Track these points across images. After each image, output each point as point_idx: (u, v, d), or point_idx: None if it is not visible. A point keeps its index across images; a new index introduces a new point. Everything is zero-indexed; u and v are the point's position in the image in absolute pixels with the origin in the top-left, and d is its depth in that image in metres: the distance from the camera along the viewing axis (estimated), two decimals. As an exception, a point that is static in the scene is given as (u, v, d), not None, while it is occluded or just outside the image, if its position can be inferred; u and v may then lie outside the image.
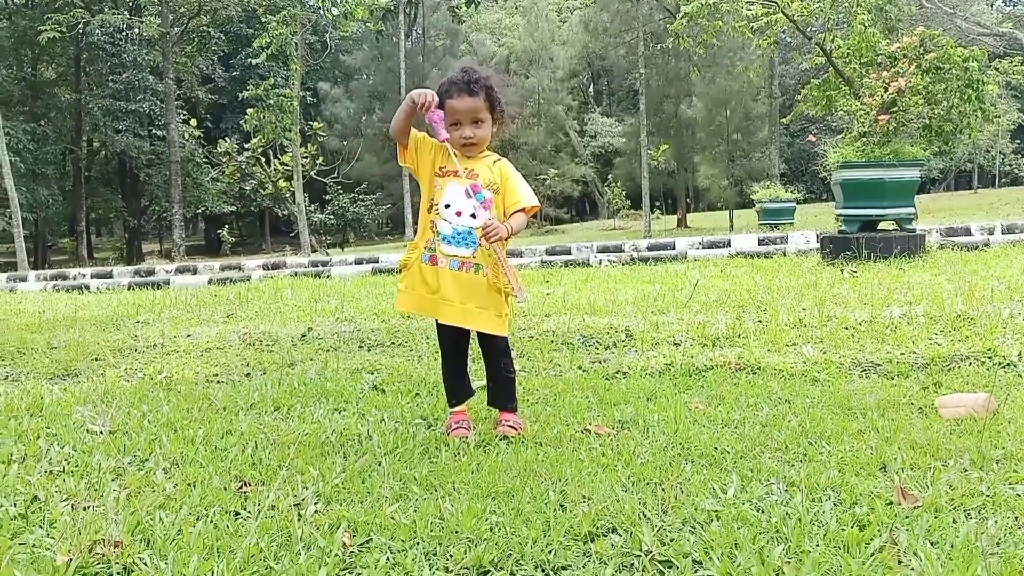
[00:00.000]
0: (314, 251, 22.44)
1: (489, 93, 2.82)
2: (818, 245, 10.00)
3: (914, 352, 3.93)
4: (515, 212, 2.84)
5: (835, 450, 2.52)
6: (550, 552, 1.86)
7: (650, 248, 12.55)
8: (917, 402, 3.06)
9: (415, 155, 2.85)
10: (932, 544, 1.80)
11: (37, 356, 5.08)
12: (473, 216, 2.78)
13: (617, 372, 3.90)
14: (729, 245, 12.00)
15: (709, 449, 2.58)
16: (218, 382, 4.10)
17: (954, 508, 2.03)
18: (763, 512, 2.03)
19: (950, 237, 10.89)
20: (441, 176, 2.82)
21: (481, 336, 2.89)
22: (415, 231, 3.04)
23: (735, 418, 2.96)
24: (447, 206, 2.79)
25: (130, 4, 33.65)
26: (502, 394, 2.99)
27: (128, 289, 11.38)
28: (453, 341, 2.96)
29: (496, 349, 2.93)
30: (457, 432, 2.88)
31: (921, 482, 2.21)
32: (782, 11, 16.76)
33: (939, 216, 20.92)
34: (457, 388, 3.01)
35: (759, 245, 11.85)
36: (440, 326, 2.90)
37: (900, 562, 1.74)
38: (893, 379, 3.52)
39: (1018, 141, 46.27)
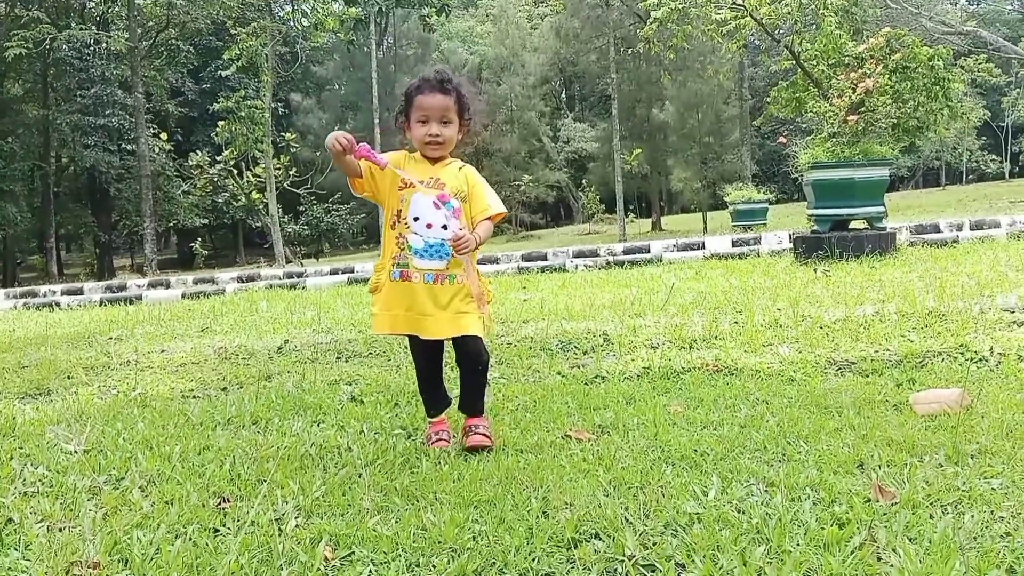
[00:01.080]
0: (288, 262, 22.31)
1: (460, 95, 2.78)
2: (791, 245, 10.10)
3: (888, 349, 3.97)
4: (482, 220, 2.78)
5: (813, 449, 2.54)
6: (533, 560, 1.86)
7: (625, 252, 12.61)
8: (892, 399, 3.10)
9: (372, 182, 2.76)
10: (910, 540, 1.82)
11: (8, 375, 5.00)
12: (444, 228, 2.70)
13: (596, 376, 3.91)
14: (703, 247, 12.09)
15: (689, 451, 2.59)
16: (194, 397, 4.06)
17: (931, 504, 2.05)
18: (744, 513, 2.04)
19: (920, 234, 11.05)
20: (405, 188, 2.73)
21: (459, 341, 2.79)
22: None
23: (714, 420, 2.98)
24: (416, 219, 2.71)
25: (97, 19, 33.36)
26: (473, 395, 2.88)
27: (100, 305, 11.24)
28: (428, 355, 2.90)
29: (476, 349, 2.82)
30: (438, 444, 2.86)
31: (898, 479, 2.24)
32: (751, 15, 16.97)
33: (909, 214, 21.20)
34: (435, 399, 2.97)
35: (733, 246, 11.95)
36: (413, 341, 2.83)
37: (880, 559, 1.76)
38: (868, 377, 3.55)
39: (984, 138, 47.10)
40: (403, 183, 2.71)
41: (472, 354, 2.82)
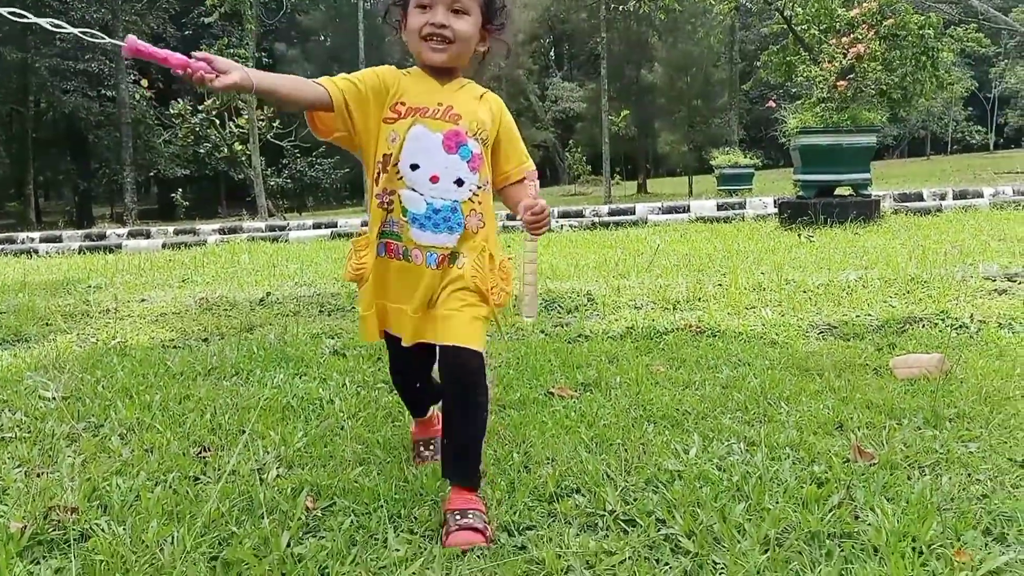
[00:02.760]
0: (271, 215, 22.11)
1: None
2: (776, 210, 10.11)
3: (869, 314, 4.00)
4: (517, 181, 2.01)
5: (794, 410, 2.56)
6: (515, 513, 1.87)
7: (611, 213, 12.59)
8: (872, 363, 3.12)
9: (345, 114, 1.81)
10: (888, 500, 1.84)
11: (-15, 322, 4.93)
12: (459, 183, 1.86)
13: (579, 336, 3.91)
14: (689, 211, 12.09)
15: (671, 410, 2.60)
16: (174, 347, 4.03)
17: (909, 465, 2.07)
18: (724, 471, 2.06)
19: (903, 203, 11.10)
20: (398, 119, 1.84)
21: (448, 352, 1.83)
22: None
23: (696, 380, 2.99)
24: (414, 167, 1.83)
25: (77, -41, 32.46)
26: (459, 446, 1.87)
27: (79, 253, 11.11)
28: (416, 361, 2.05)
29: (471, 366, 1.83)
30: (427, 460, 2.21)
31: (876, 440, 2.26)
32: (743, -24, 16.76)
33: (893, 182, 21.25)
34: (419, 400, 2.24)
35: (718, 211, 11.96)
36: (390, 340, 2.01)
37: (857, 518, 1.77)
38: (849, 341, 3.58)
39: (970, 108, 47.14)
40: (395, 111, 1.85)
41: (463, 373, 1.84)
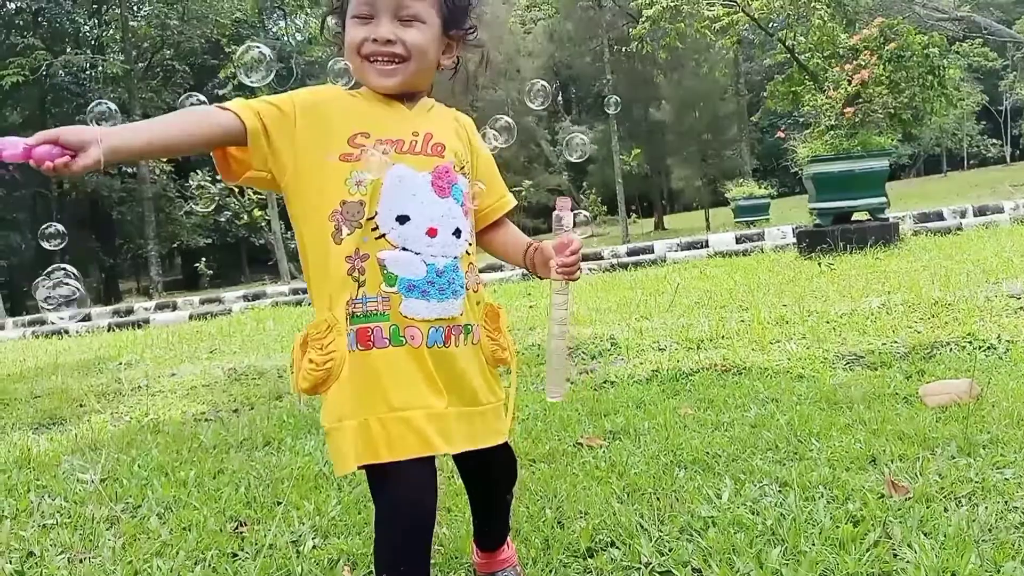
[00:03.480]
0: (293, 278, 22.35)
1: None
2: (795, 240, 10.10)
3: (895, 342, 3.97)
4: (500, 217, 1.69)
5: (825, 446, 2.55)
6: (551, 571, 1.87)
7: (629, 253, 12.62)
8: (902, 392, 3.10)
9: (268, 148, 1.42)
10: (925, 535, 1.83)
11: (21, 406, 5.02)
12: (457, 233, 1.50)
13: (605, 382, 3.92)
14: (707, 245, 12.09)
15: (701, 454, 2.60)
16: (206, 420, 4.08)
17: (944, 497, 2.05)
18: (758, 515, 2.05)
19: (923, 223, 11.04)
20: (362, 155, 1.43)
21: (475, 456, 1.53)
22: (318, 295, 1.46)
23: (724, 420, 2.98)
24: (402, 219, 1.44)
25: (93, 43, 33.50)
26: (499, 518, 1.78)
27: (108, 330, 11.28)
28: (420, 510, 1.43)
29: (511, 458, 1.67)
30: None
31: (910, 473, 2.24)
32: (743, 10, 17.00)
33: (911, 202, 21.15)
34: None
35: (737, 243, 11.95)
36: (395, 475, 1.40)
37: (895, 556, 1.76)
38: (877, 370, 3.56)
39: (984, 122, 46.99)
40: (355, 144, 1.44)
41: (508, 466, 1.68)
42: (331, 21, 1.60)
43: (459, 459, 1.60)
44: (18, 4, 30.13)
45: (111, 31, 33.12)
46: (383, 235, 1.42)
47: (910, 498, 2.06)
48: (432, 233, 1.45)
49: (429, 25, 1.47)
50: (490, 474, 1.66)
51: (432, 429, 1.41)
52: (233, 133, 1.39)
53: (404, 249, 1.43)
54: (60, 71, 29.04)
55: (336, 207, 1.41)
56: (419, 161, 1.47)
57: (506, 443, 1.59)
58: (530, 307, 7.19)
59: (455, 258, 1.49)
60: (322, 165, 1.43)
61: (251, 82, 1.50)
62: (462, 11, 1.54)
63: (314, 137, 1.43)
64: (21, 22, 30.13)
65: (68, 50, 30.72)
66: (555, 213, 1.56)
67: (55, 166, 1.21)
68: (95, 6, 33.88)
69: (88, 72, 30.70)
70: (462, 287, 1.49)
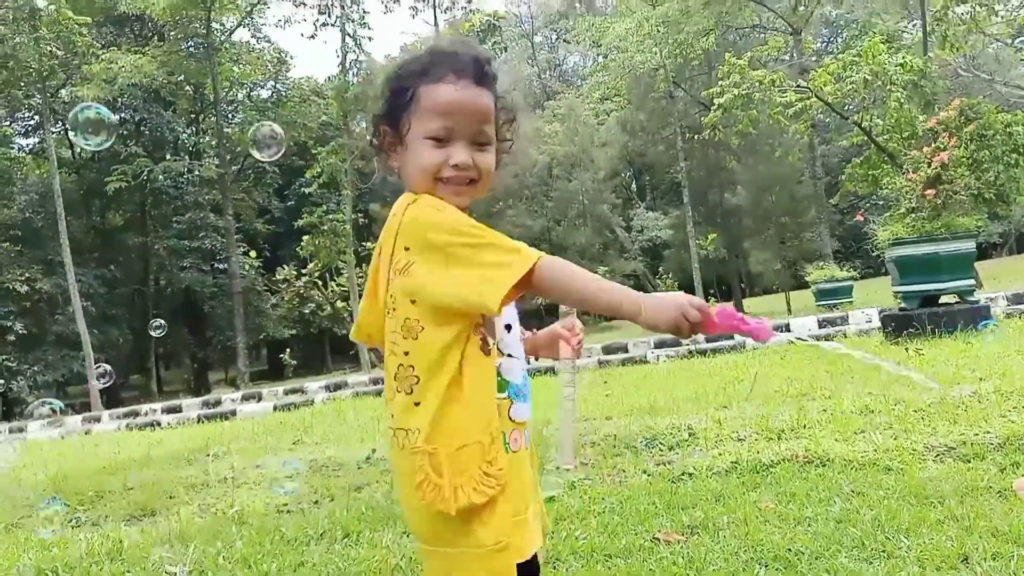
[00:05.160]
0: (373, 367, 22.73)
1: (496, 93, 1.55)
2: (880, 324, 9.81)
3: (988, 432, 3.81)
4: None
5: (914, 543, 2.46)
6: (626, 673, 1.84)
7: (707, 340, 12.44)
8: (996, 485, 2.97)
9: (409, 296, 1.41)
10: (1023, 641, 1.74)
11: (115, 498, 5.22)
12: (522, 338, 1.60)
13: (683, 474, 3.86)
14: (788, 330, 11.84)
15: (782, 550, 2.53)
16: (288, 512, 4.16)
17: (1044, 600, 1.95)
18: (842, 616, 1.98)
19: (1017, 304, 10.59)
20: None
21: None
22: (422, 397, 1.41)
23: (807, 515, 2.90)
24: (508, 328, 1.52)
25: (190, 149, 35.73)
26: None
27: (198, 422, 11.66)
28: None
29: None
30: None
31: (1004, 572, 2.14)
32: (816, 95, 17.04)
33: (1005, 282, 20.34)
34: None
35: (819, 328, 11.68)
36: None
37: (990, 663, 1.68)
38: (969, 462, 3.41)
39: (1078, 197, 45.20)
40: None
41: (540, 564, 1.56)
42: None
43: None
44: (122, 115, 32.47)
45: (207, 138, 35.40)
46: (496, 343, 1.46)
47: (1005, 601, 1.96)
48: (522, 338, 1.53)
49: (492, 145, 1.52)
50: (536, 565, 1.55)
51: (537, 527, 1.47)
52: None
53: (510, 355, 1.48)
54: (160, 176, 30.96)
55: (478, 320, 1.42)
56: None
57: None
58: (606, 396, 7.15)
59: (526, 363, 1.54)
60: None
61: (261, 158, 1.50)
62: (504, 124, 1.59)
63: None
64: (125, 132, 32.41)
65: (167, 156, 32.80)
66: (561, 309, 1.66)
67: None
68: (192, 115, 36.33)
69: (185, 176, 32.63)
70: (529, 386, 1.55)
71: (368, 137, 1.59)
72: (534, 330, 1.71)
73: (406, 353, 1.41)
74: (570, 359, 1.64)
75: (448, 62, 1.47)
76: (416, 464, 1.39)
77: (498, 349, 1.46)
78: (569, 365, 1.66)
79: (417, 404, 1.40)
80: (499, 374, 1.45)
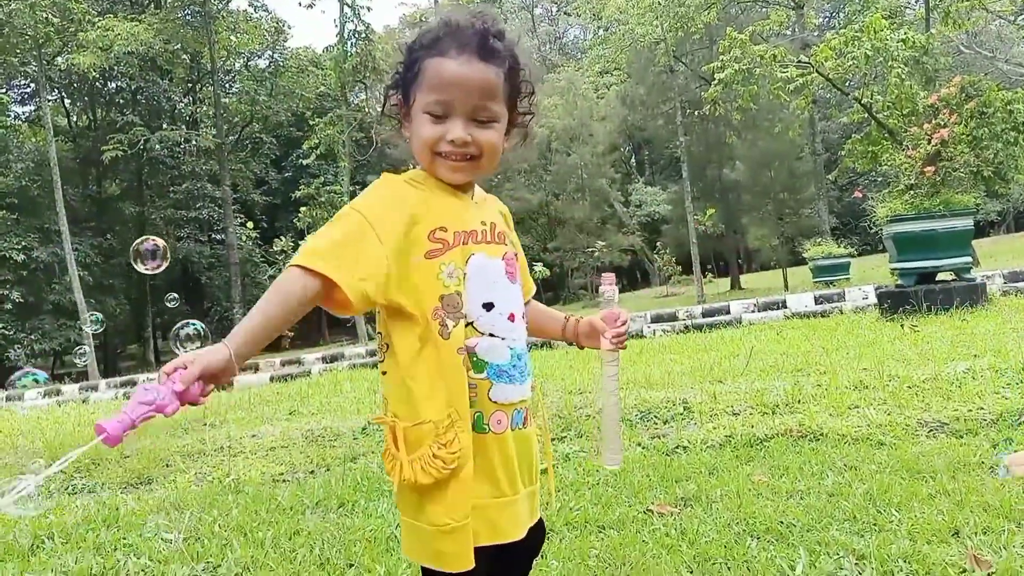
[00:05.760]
0: (371, 339, 22.76)
1: (514, 69, 1.50)
2: (876, 300, 9.83)
3: (981, 408, 3.83)
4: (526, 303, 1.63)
5: (905, 517, 2.47)
6: (618, 641, 1.86)
7: (704, 314, 12.47)
8: (987, 461, 2.99)
9: (393, 264, 1.37)
10: (1010, 613, 1.76)
11: (111, 466, 5.24)
12: (523, 317, 1.56)
13: (677, 447, 3.88)
14: (784, 306, 11.86)
15: (775, 523, 2.55)
16: (284, 481, 4.18)
17: (1032, 573, 1.97)
18: (832, 588, 2.00)
19: (1014, 282, 10.60)
20: (445, 249, 1.43)
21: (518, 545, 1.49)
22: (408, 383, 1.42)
23: (800, 488, 2.92)
24: (488, 306, 1.47)
25: (187, 119, 35.48)
26: None
27: (194, 391, 11.68)
28: None
29: (543, 531, 1.64)
30: None
31: (995, 546, 2.16)
32: (817, 71, 16.92)
33: (1001, 260, 20.37)
34: None
35: (815, 304, 11.69)
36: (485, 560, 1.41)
37: (978, 634, 1.70)
38: (962, 438, 3.43)
39: (1077, 176, 45.13)
40: (437, 240, 1.43)
41: (540, 541, 1.64)
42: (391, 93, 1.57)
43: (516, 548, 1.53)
44: (118, 84, 32.22)
45: (204, 107, 35.13)
46: (470, 323, 1.43)
47: (993, 573, 1.98)
48: (512, 318, 1.49)
49: (501, 123, 1.49)
50: (533, 544, 1.59)
51: (527, 508, 1.49)
52: (331, 296, 1.36)
53: (491, 335, 1.45)
54: (156, 145, 30.78)
55: (436, 304, 1.40)
56: (492, 249, 1.50)
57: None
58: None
59: (525, 341, 1.53)
60: (411, 269, 1.40)
61: (184, 352, 1.43)
62: (527, 95, 1.56)
63: (397, 247, 1.38)
64: (121, 100, 32.19)
65: (164, 126, 32.59)
66: (600, 287, 1.62)
67: (206, 399, 1.28)
68: (190, 85, 36.04)
69: (182, 146, 32.43)
70: (529, 368, 1.53)
71: (380, 106, 1.59)
72: (576, 318, 1.70)
73: (383, 321, 1.47)
74: (611, 350, 1.60)
75: (453, 36, 1.44)
76: (385, 432, 1.45)
77: (475, 328, 1.43)
78: (610, 358, 1.60)
79: (384, 373, 1.47)
80: (475, 355, 1.43)
